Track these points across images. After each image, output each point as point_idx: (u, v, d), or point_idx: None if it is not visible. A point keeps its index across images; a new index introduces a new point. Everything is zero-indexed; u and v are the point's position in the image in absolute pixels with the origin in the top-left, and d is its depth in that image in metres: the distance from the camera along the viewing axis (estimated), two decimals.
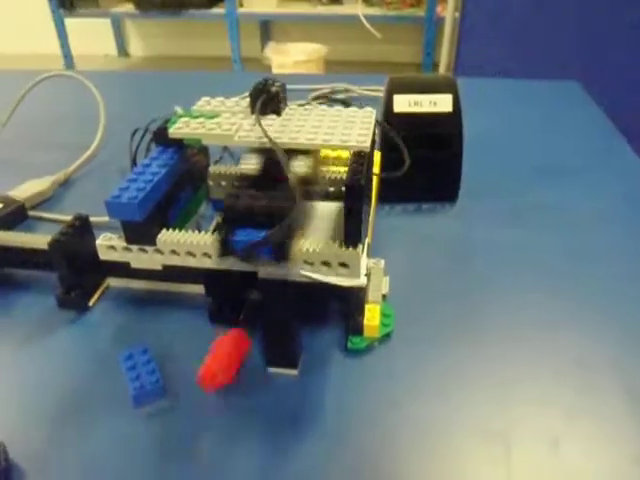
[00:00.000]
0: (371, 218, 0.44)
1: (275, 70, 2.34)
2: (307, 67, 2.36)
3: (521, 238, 0.49)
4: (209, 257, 0.35)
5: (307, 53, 2.41)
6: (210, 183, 0.45)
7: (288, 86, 0.42)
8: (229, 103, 0.42)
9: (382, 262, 0.42)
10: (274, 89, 0.39)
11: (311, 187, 0.36)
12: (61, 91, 0.82)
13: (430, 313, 0.41)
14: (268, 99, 0.39)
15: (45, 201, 0.56)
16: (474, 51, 1.56)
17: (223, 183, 0.45)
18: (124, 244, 0.37)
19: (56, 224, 0.52)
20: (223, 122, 0.38)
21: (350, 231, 0.33)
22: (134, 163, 0.57)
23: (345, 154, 0.47)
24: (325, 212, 0.41)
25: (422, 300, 0.42)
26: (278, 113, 0.40)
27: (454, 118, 0.51)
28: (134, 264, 0.38)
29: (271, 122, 0.38)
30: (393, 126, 0.50)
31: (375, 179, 0.44)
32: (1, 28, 3.20)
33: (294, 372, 0.36)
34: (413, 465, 0.30)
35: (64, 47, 2.80)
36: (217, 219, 0.46)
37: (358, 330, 0.37)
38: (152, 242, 0.36)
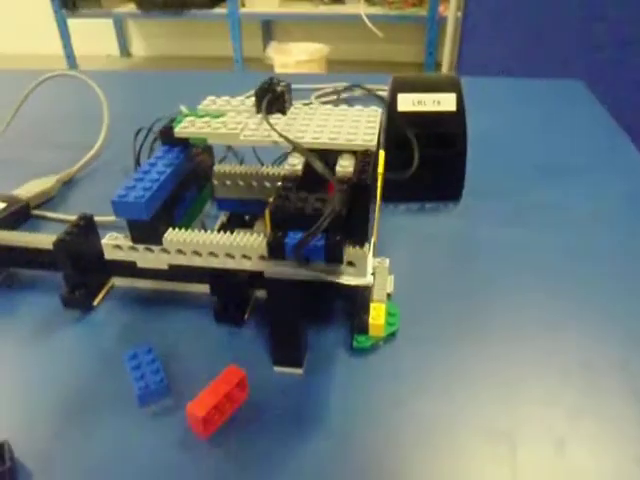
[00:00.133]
0: (376, 217, 0.44)
1: (277, 70, 2.35)
2: (309, 67, 2.36)
3: (524, 237, 0.49)
4: (215, 256, 0.35)
5: (309, 53, 2.42)
6: (215, 182, 0.45)
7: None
8: (234, 102, 0.42)
9: (387, 261, 0.42)
10: (279, 88, 0.39)
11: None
12: (64, 91, 0.82)
13: (434, 312, 0.41)
14: (274, 98, 0.39)
15: (49, 200, 0.56)
16: (476, 50, 1.56)
17: (228, 182, 0.44)
18: (130, 243, 0.37)
19: (60, 223, 0.52)
20: (229, 121, 0.38)
21: (357, 230, 0.33)
22: (138, 163, 0.57)
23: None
24: None
25: (426, 299, 0.42)
26: (283, 112, 0.40)
27: (458, 117, 0.51)
28: (140, 263, 0.38)
29: (276, 121, 0.38)
30: (397, 125, 0.50)
31: (379, 178, 0.44)
32: (4, 28, 3.20)
33: (299, 371, 0.36)
34: (418, 464, 0.30)
35: (66, 47, 2.81)
36: (222, 218, 0.46)
37: (363, 329, 0.37)
38: (158, 241, 0.36)
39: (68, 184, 0.59)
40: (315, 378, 0.36)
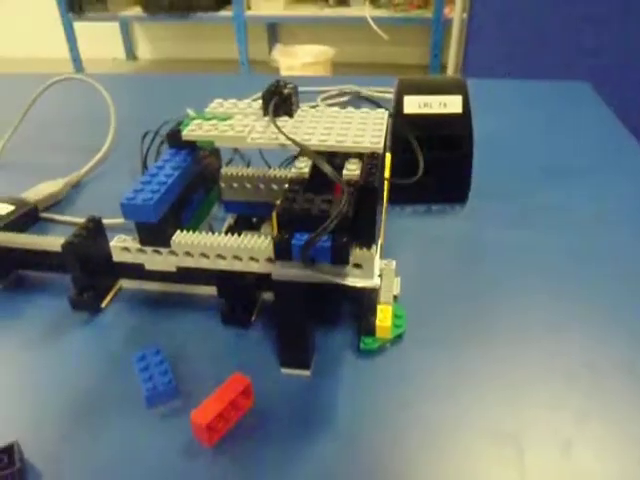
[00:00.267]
0: (383, 219, 0.44)
1: (283, 72, 2.35)
2: (314, 69, 2.37)
3: (530, 239, 0.49)
4: (223, 259, 0.35)
5: (314, 55, 2.42)
6: (222, 185, 0.45)
7: None
8: (242, 105, 0.42)
9: (393, 263, 0.42)
10: (286, 91, 0.39)
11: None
12: (71, 94, 0.83)
13: (440, 314, 0.41)
14: (280, 101, 0.39)
15: (57, 203, 0.56)
16: (482, 52, 1.56)
17: (235, 185, 0.45)
18: (138, 246, 0.37)
19: (68, 226, 0.52)
20: (236, 124, 0.39)
21: (364, 232, 0.33)
22: (145, 165, 0.57)
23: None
24: None
25: (432, 301, 0.42)
26: (290, 115, 0.40)
27: (464, 119, 0.51)
28: (148, 266, 0.38)
29: (283, 124, 0.38)
30: (403, 127, 0.50)
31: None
32: (10, 32, 3.22)
33: (307, 373, 0.36)
34: (424, 466, 0.30)
35: (73, 51, 2.82)
36: (229, 221, 0.46)
37: (370, 331, 0.37)
38: (166, 244, 0.36)
39: (76, 187, 0.59)
40: (322, 380, 0.36)
